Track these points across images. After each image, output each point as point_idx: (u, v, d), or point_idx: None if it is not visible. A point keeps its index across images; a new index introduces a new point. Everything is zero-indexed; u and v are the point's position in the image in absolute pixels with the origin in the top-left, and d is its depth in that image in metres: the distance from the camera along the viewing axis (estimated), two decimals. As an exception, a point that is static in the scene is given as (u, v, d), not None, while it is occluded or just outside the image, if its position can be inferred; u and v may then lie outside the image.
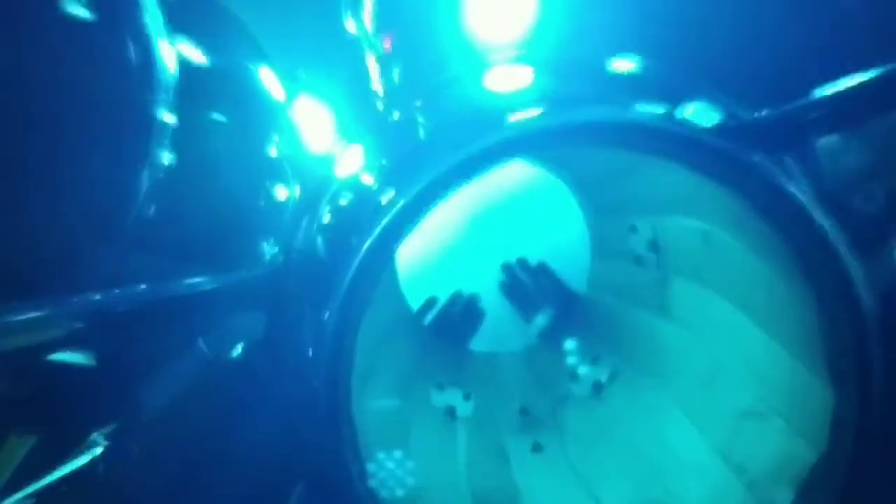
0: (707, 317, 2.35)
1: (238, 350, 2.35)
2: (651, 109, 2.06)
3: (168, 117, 1.91)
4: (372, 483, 2.08)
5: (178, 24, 2.14)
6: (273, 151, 2.83)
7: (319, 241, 2.38)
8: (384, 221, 1.85)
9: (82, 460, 2.08)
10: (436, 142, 2.29)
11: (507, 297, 2.75)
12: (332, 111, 3.25)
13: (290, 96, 3.01)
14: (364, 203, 2.13)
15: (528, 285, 2.74)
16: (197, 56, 2.32)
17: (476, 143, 1.84)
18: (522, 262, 2.74)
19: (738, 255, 2.13)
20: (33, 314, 1.55)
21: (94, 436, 2.13)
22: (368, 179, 2.42)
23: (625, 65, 2.35)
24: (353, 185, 2.47)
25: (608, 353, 2.71)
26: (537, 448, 2.61)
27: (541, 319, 2.74)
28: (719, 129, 1.90)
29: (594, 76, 2.32)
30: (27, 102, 1.73)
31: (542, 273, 2.75)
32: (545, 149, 2.28)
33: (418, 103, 2.66)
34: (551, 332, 2.77)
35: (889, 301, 1.91)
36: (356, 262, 1.86)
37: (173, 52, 1.99)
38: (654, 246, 2.54)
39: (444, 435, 2.62)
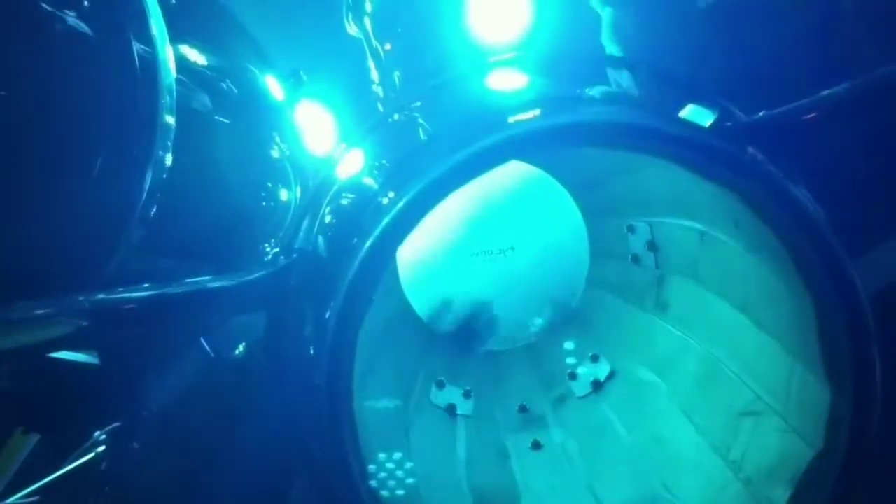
0: (704, 316, 2.36)
1: (240, 349, 2.37)
2: (649, 110, 2.07)
3: (171, 119, 1.92)
4: (373, 482, 2.09)
5: (181, 26, 2.16)
6: (275, 152, 2.85)
7: (320, 241, 2.39)
8: (385, 221, 1.86)
9: (85, 458, 2.09)
10: (436, 142, 2.30)
11: (506, 296, 2.76)
12: (332, 112, 3.26)
13: (292, 97, 3.03)
14: (365, 203, 2.14)
15: (528, 285, 2.75)
16: (199, 58, 2.34)
17: (475, 143, 1.85)
18: (522, 263, 2.75)
19: (735, 254, 2.14)
20: (38, 313, 1.56)
21: (97, 434, 2.14)
22: (369, 180, 2.43)
23: (622, 66, 2.37)
24: (354, 185, 2.48)
25: (607, 351, 2.72)
26: (537, 446, 2.62)
27: (540, 319, 2.76)
28: (716, 130, 1.91)
29: (592, 77, 2.34)
30: (31, 104, 1.74)
31: (541, 273, 2.77)
32: (544, 149, 2.29)
33: (418, 104, 2.67)
34: (550, 332, 2.78)
35: (885, 299, 1.92)
36: (357, 261, 1.87)
37: (176, 54, 2.01)
38: (651, 246, 2.56)
39: (445, 433, 2.63)
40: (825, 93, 1.89)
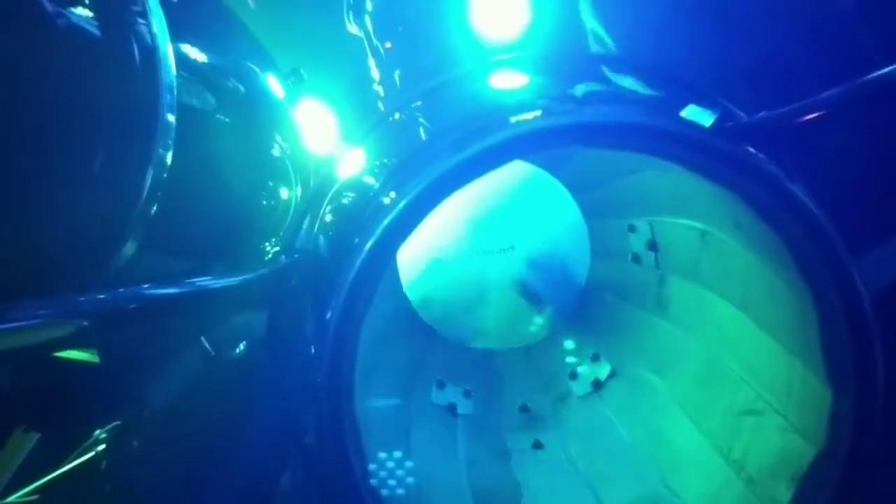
0: (705, 315, 2.36)
1: (241, 348, 2.37)
2: (650, 111, 2.07)
3: (172, 117, 1.91)
4: (373, 481, 2.10)
5: (182, 24, 2.15)
6: (275, 151, 2.84)
7: (321, 240, 2.39)
8: (386, 221, 1.87)
9: (86, 457, 2.09)
10: (437, 142, 2.30)
11: (507, 296, 2.76)
12: (333, 111, 3.26)
13: (292, 96, 3.02)
14: (366, 203, 2.15)
15: (529, 285, 2.76)
16: (200, 56, 2.33)
17: (476, 143, 1.85)
18: (522, 263, 2.76)
19: (735, 253, 2.14)
20: (39, 312, 1.56)
21: (98, 433, 2.14)
22: (370, 179, 2.43)
23: (623, 66, 2.37)
24: (355, 184, 2.48)
25: (608, 351, 2.72)
26: (538, 446, 2.62)
27: (541, 318, 2.76)
28: (717, 130, 1.91)
29: (594, 77, 2.34)
30: (31, 103, 1.74)
31: (542, 273, 2.77)
32: (545, 149, 2.29)
33: (419, 103, 2.67)
34: (551, 331, 2.78)
35: (886, 298, 1.92)
36: (358, 261, 1.88)
37: (177, 52, 2.00)
38: (652, 245, 2.56)
39: (445, 433, 2.63)
40: (826, 93, 1.89)
